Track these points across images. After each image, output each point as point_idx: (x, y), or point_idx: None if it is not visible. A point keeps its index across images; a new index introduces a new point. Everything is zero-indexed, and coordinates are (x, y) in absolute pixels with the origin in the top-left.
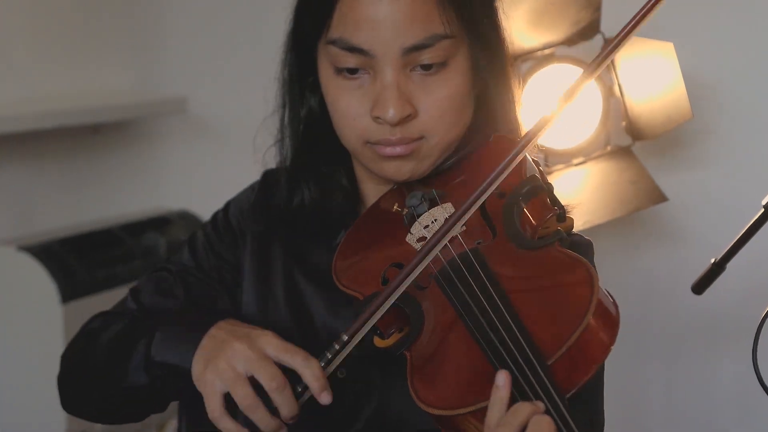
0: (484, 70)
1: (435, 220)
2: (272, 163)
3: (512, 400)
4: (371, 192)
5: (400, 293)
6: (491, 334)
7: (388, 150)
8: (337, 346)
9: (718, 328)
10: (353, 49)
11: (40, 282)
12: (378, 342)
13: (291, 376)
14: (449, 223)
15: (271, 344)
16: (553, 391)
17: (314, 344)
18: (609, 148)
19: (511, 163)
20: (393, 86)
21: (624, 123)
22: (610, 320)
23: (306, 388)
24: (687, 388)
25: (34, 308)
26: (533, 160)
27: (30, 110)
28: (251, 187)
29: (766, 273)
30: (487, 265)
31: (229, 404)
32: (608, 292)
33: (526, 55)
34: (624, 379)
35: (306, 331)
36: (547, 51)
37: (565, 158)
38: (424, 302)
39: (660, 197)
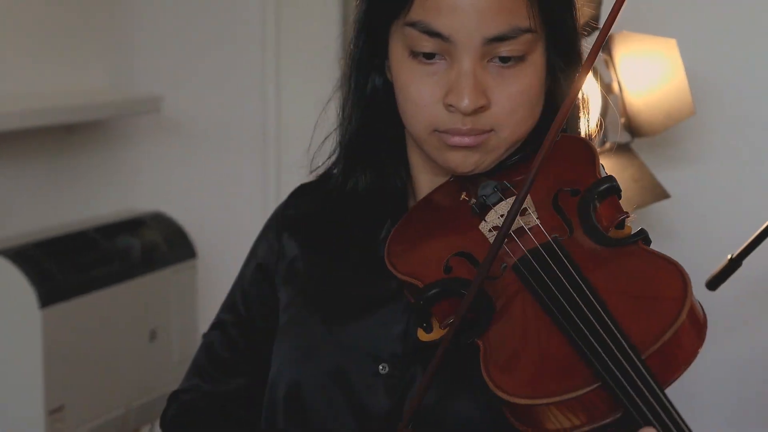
0: (557, 69)
1: (508, 211)
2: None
3: (606, 394)
4: (424, 184)
5: (483, 277)
6: (581, 325)
7: (456, 140)
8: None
9: (730, 323)
10: (433, 34)
11: (18, 287)
12: (423, 336)
13: None
14: (518, 200)
15: None
16: (652, 382)
17: (344, 341)
18: (608, 145)
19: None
20: (470, 75)
21: (622, 120)
22: (699, 321)
23: None
24: (702, 380)
25: (12, 313)
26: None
27: (3, 110)
28: (273, 213)
29: None
30: (571, 256)
31: None
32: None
33: None
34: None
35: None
36: None
37: None
38: (495, 291)
39: (662, 194)
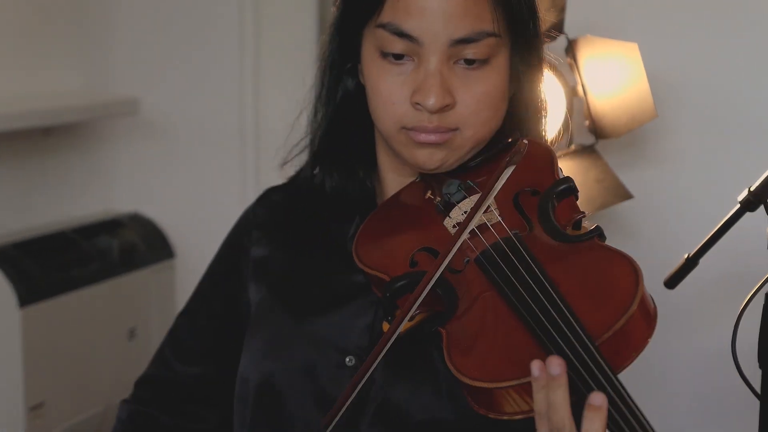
0: (521, 73)
1: (473, 208)
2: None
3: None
4: (392, 183)
5: (444, 267)
6: (539, 313)
7: (423, 137)
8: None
9: (689, 322)
10: (402, 35)
11: None
12: (388, 328)
13: None
14: (481, 199)
15: None
16: (606, 367)
17: (314, 334)
18: (573, 147)
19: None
20: (436, 75)
21: (587, 122)
22: (650, 314)
23: None
24: (654, 381)
25: None
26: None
27: None
28: (243, 213)
29: (734, 267)
30: (530, 250)
31: None
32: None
33: None
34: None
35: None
36: None
37: None
38: (458, 283)
39: (625, 194)
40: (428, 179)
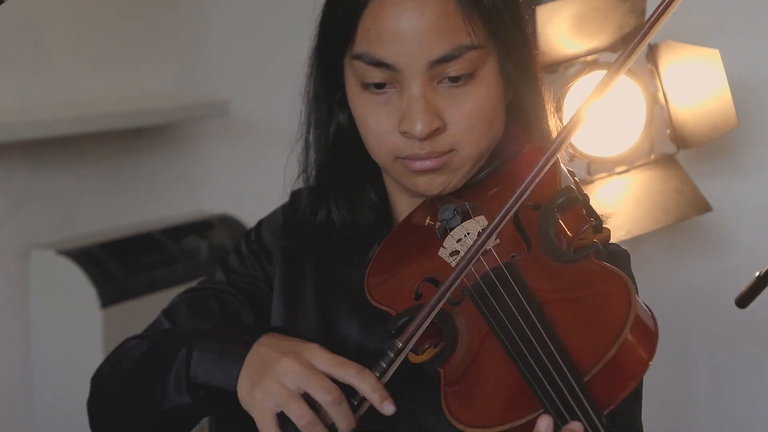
0: (515, 79)
1: (468, 233)
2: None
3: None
4: (403, 206)
5: (442, 303)
6: (525, 351)
7: (418, 164)
8: (391, 354)
9: (763, 342)
10: (378, 64)
11: (80, 286)
12: (413, 358)
13: (344, 390)
14: (483, 237)
15: (321, 357)
16: (590, 410)
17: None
18: (653, 156)
19: (541, 171)
20: (420, 100)
21: (668, 131)
22: (648, 335)
23: (362, 400)
24: (731, 402)
25: (74, 313)
26: (568, 170)
27: (72, 114)
28: (282, 207)
29: None
30: (522, 280)
31: (280, 422)
32: (646, 306)
33: (570, 61)
34: (667, 393)
35: (336, 350)
36: (590, 57)
37: (608, 167)
38: (458, 318)
39: (705, 207)
40: (434, 200)
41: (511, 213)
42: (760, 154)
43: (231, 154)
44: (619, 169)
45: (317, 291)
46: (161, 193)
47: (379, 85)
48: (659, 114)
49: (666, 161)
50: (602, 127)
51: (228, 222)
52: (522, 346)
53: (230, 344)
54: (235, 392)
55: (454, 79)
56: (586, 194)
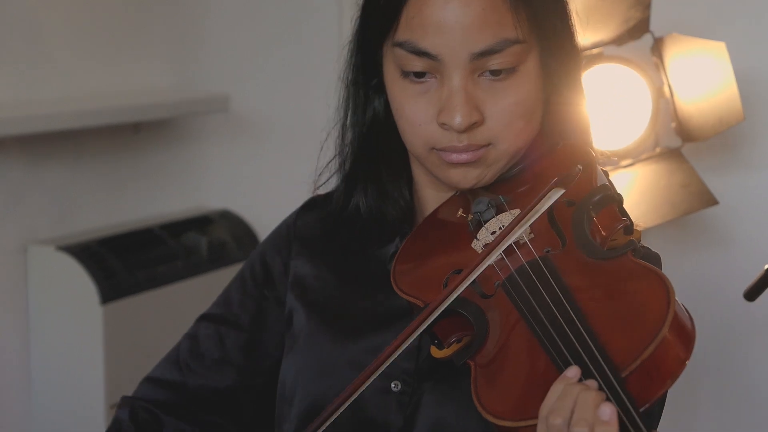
0: (555, 75)
1: (502, 226)
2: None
3: None
4: (431, 199)
5: (470, 281)
6: (562, 346)
7: (455, 157)
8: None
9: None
10: (420, 53)
11: (80, 282)
12: (435, 352)
13: None
14: (512, 225)
15: None
16: (629, 405)
17: (355, 358)
18: (658, 149)
19: (572, 174)
20: (460, 92)
21: (674, 124)
22: (686, 334)
23: None
24: (738, 395)
25: (74, 308)
26: (602, 170)
27: (71, 108)
28: (285, 224)
29: None
30: (558, 274)
31: None
32: (683, 306)
33: None
34: (672, 387)
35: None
36: (595, 50)
37: (613, 160)
38: (489, 311)
39: (710, 200)
40: (465, 193)
41: (546, 208)
42: (766, 148)
43: (230, 150)
44: (624, 163)
45: (334, 282)
46: (160, 188)
47: (419, 74)
48: (664, 107)
49: (671, 155)
50: (608, 120)
51: (227, 217)
52: (559, 340)
53: None
54: None
55: (495, 73)
56: (620, 194)
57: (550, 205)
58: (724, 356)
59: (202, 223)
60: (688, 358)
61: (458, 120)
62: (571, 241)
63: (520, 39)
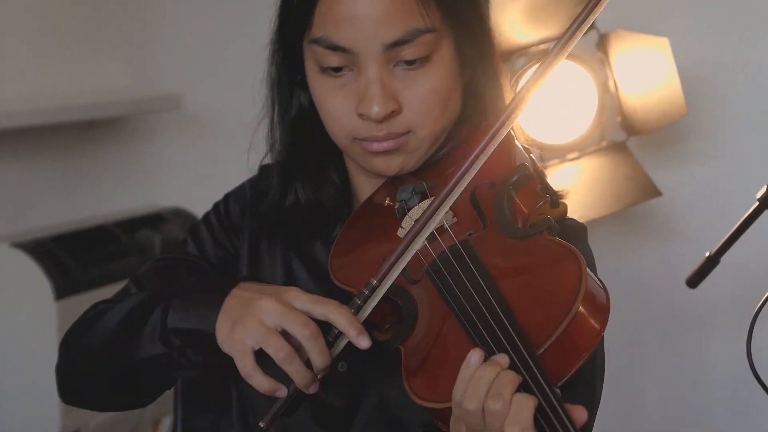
0: (472, 61)
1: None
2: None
3: None
4: (364, 186)
5: (384, 291)
6: (480, 326)
7: (376, 146)
8: (366, 292)
9: (713, 321)
10: (335, 48)
11: (34, 279)
12: (377, 335)
13: (322, 326)
14: (429, 210)
15: (300, 297)
16: (543, 381)
17: None
18: (604, 143)
19: (488, 146)
20: (376, 83)
21: (619, 118)
22: (600, 307)
23: (338, 335)
24: (682, 380)
25: (29, 305)
26: (524, 147)
27: (25, 106)
28: (249, 182)
29: (759, 266)
30: (477, 256)
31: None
32: (598, 279)
33: (522, 51)
34: (619, 372)
35: None
36: (542, 46)
37: (560, 153)
38: (417, 296)
39: (654, 192)
40: (394, 181)
41: (457, 190)
42: (709, 142)
43: (184, 148)
44: (570, 156)
45: (286, 272)
46: (114, 186)
47: (337, 69)
48: (610, 102)
49: (616, 148)
50: (554, 114)
51: (180, 215)
52: (477, 321)
53: (208, 292)
54: (212, 336)
55: (410, 62)
56: (541, 170)
57: (473, 189)
58: (669, 341)
59: (155, 220)
60: (602, 329)
61: (376, 110)
62: (491, 222)
63: (430, 28)
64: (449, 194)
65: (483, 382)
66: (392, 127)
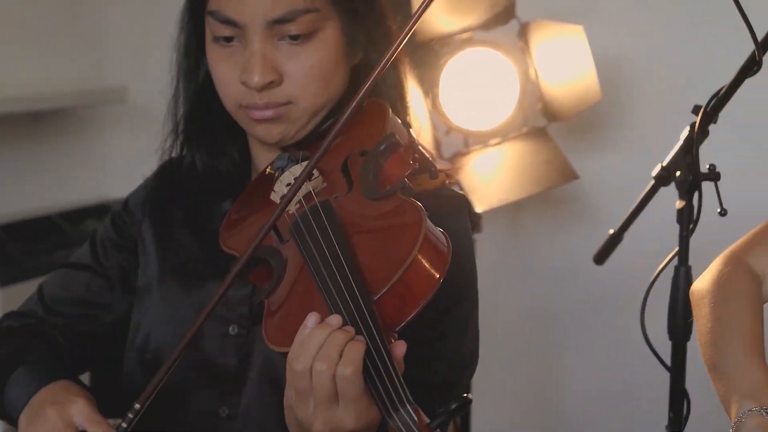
0: (361, 43)
1: (296, 178)
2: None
3: None
4: (263, 158)
5: (252, 252)
6: (327, 279)
7: (257, 113)
8: (131, 415)
9: (619, 299)
10: (226, 21)
11: None
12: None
13: None
14: (301, 176)
15: (81, 413)
16: (372, 326)
17: (202, 303)
18: (525, 129)
19: (350, 116)
20: (258, 54)
21: (539, 105)
22: (439, 256)
23: (132, 420)
24: (597, 342)
25: None
26: (402, 121)
27: None
28: (148, 178)
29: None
30: (334, 216)
31: None
32: (442, 231)
33: (445, 39)
34: (539, 353)
35: (198, 294)
36: (464, 35)
37: (483, 139)
38: (285, 254)
39: (572, 175)
40: (288, 150)
41: (321, 155)
42: (626, 129)
43: (129, 140)
44: (493, 142)
45: (190, 231)
46: (60, 177)
47: (228, 39)
48: (530, 90)
49: (537, 134)
50: (478, 102)
51: None
52: (325, 274)
53: (37, 379)
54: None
55: (294, 38)
56: (414, 141)
57: (341, 157)
58: (583, 312)
59: (100, 211)
60: (441, 277)
61: (256, 79)
62: (356, 186)
63: (311, 8)
64: (316, 160)
65: (313, 344)
66: (272, 96)
